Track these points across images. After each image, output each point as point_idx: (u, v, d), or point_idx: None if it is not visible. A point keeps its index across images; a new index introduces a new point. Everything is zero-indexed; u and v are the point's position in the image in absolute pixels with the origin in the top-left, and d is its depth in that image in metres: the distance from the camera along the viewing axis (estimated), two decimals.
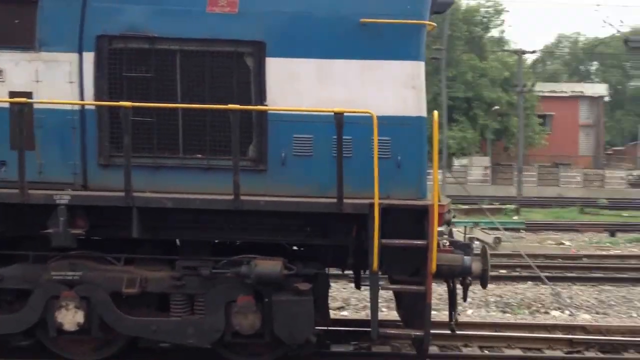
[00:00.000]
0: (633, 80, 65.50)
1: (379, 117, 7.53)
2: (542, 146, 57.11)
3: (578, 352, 9.88)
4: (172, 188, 7.83)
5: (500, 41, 63.05)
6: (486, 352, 9.77)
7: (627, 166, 61.16)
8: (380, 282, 7.90)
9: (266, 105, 7.88)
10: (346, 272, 10.14)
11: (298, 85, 7.93)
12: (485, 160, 55.09)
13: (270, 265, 7.70)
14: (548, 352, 9.93)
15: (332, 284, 9.55)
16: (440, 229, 7.96)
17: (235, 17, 7.92)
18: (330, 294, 9.02)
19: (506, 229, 23.22)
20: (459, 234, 9.44)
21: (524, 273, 16.27)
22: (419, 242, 7.62)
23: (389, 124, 7.78)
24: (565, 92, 65.21)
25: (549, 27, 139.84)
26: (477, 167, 53.70)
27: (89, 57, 7.89)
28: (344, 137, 7.71)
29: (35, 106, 7.79)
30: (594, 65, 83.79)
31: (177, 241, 8.39)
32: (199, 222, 8.01)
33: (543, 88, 61.39)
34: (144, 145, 7.94)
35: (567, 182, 51.70)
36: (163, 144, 7.97)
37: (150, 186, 7.80)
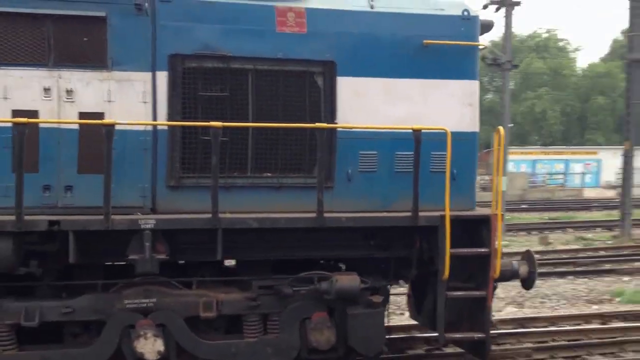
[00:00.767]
0: (488, 94, 70.24)
1: (438, 134, 8.03)
2: None
3: None
4: (242, 208, 7.86)
5: None
6: None
7: (481, 172, 65.10)
8: None
9: (336, 123, 8.13)
10: None
11: (366, 104, 8.25)
12: None
13: (349, 281, 8.00)
14: None
15: None
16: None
17: (305, 37, 8.10)
18: None
19: None
20: None
21: None
22: (483, 250, 8.19)
23: (446, 139, 8.24)
24: None
25: None
26: None
27: (162, 76, 7.78)
28: (404, 153, 8.18)
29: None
30: None
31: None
32: (266, 241, 8.09)
33: None
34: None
35: None
36: (233, 164, 7.98)
37: (220, 206, 7.76)
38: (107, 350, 7.65)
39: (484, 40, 8.84)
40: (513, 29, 27.17)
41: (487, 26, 8.90)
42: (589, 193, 49.99)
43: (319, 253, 8.33)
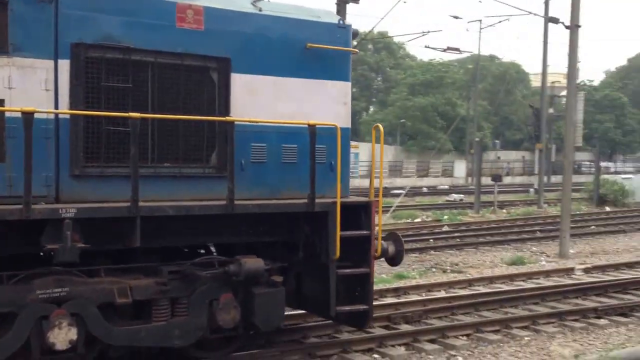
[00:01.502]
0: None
1: (318, 129, 8.80)
2: None
3: None
4: (144, 197, 7.97)
5: None
6: None
7: None
8: None
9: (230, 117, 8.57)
10: None
11: (257, 99, 8.80)
12: None
13: (254, 262, 8.46)
14: None
15: None
16: None
17: (202, 34, 8.47)
18: None
19: None
20: None
21: None
22: (365, 232, 9.03)
23: (325, 134, 9.05)
24: None
25: None
26: None
27: (64, 65, 7.74)
28: (289, 146, 8.86)
29: (7, 114, 7.41)
30: None
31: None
32: (172, 228, 8.32)
33: None
34: (118, 155, 8.01)
35: None
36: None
37: (124, 195, 7.86)
38: (16, 342, 7.38)
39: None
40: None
41: (354, 34, 9.82)
42: None
43: (223, 238, 8.76)
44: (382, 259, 9.59)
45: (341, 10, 20.33)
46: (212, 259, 8.55)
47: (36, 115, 7.37)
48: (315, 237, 9.04)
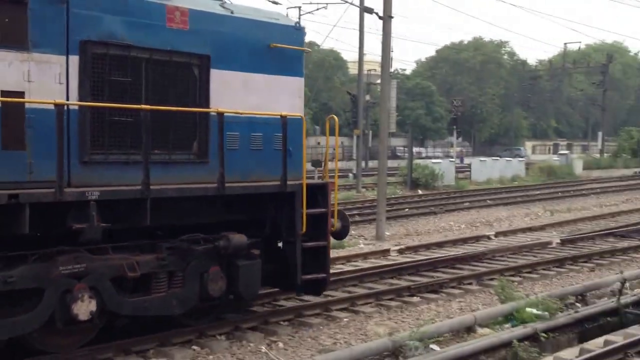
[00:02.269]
0: None
1: (277, 119, 10.07)
2: None
3: None
4: (138, 181, 8.84)
5: None
6: None
7: None
8: None
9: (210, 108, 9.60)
10: None
11: (230, 92, 9.87)
12: None
13: (239, 238, 9.59)
14: None
15: None
16: None
17: (187, 33, 9.43)
18: None
19: None
20: None
21: None
22: (323, 210, 10.38)
23: (273, 123, 10.25)
24: None
25: None
26: None
27: (74, 60, 8.46)
28: (256, 134, 10.05)
29: (27, 106, 8.06)
30: None
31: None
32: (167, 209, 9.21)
33: None
34: (119, 143, 8.85)
35: None
36: (133, 142, 8.93)
37: (123, 180, 8.74)
38: (45, 314, 8.12)
39: None
40: None
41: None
42: None
43: (208, 218, 9.76)
44: None
45: None
46: (196, 236, 9.53)
47: (49, 107, 8.11)
48: (281, 215, 10.27)
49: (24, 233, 7.77)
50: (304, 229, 10.10)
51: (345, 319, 11.19)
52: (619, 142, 68.94)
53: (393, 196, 31.88)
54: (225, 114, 9.55)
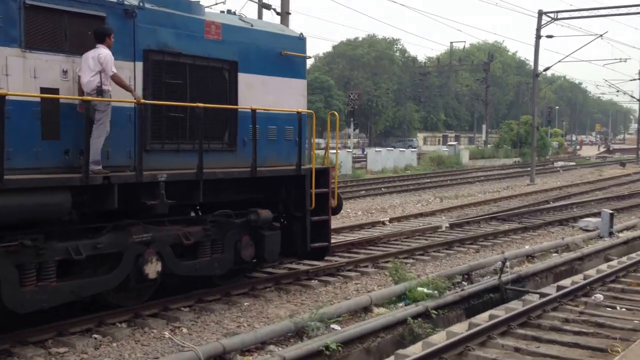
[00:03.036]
0: None
1: (289, 114, 12.07)
2: None
3: None
4: (185, 166, 10.63)
5: None
6: None
7: None
8: None
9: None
10: None
11: (253, 92, 11.76)
12: None
13: (266, 213, 11.56)
14: None
15: None
16: None
17: (220, 43, 11.28)
18: None
19: None
20: None
21: None
22: (326, 190, 12.43)
23: (293, 118, 12.31)
24: None
25: None
26: None
27: (139, 66, 10.20)
28: (272, 127, 11.99)
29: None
30: None
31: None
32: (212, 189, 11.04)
33: None
34: (172, 134, 10.64)
35: None
36: (181, 134, 10.76)
37: (174, 164, 10.53)
38: (124, 273, 9.89)
39: None
40: None
41: None
42: None
43: (240, 196, 11.66)
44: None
45: None
46: (228, 212, 11.39)
47: (122, 104, 9.83)
48: (291, 194, 12.29)
49: (114, 208, 9.50)
50: (313, 206, 12.13)
51: (246, 304, 11.36)
52: (501, 134, 73.08)
53: None
54: (244, 111, 11.44)
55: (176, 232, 10.53)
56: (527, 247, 17.18)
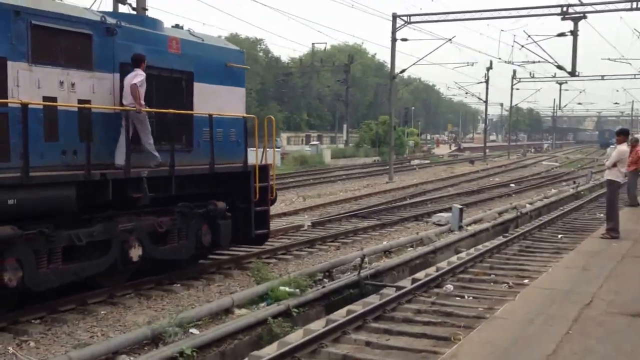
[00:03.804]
0: None
1: (235, 119, 13.86)
2: None
3: None
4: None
5: None
6: None
7: None
8: None
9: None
10: None
11: (205, 100, 13.45)
12: None
13: (221, 204, 13.34)
14: None
15: None
16: None
17: (180, 56, 12.91)
18: None
19: None
20: None
21: None
22: (266, 184, 14.30)
23: (235, 121, 14.16)
24: None
25: None
26: None
27: (117, 77, 11.72)
28: (219, 130, 13.73)
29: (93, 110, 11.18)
30: None
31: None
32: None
33: None
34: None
35: None
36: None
37: (147, 163, 12.00)
38: (113, 257, 11.40)
39: None
40: None
41: None
42: None
43: (199, 190, 13.29)
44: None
45: None
46: (188, 205, 13.00)
47: (102, 111, 11.36)
48: (237, 188, 14.06)
49: (109, 200, 11.06)
50: (257, 197, 13.95)
51: (103, 312, 11.05)
52: (361, 134, 74.45)
53: None
54: (197, 116, 13.17)
55: (152, 222, 12.13)
56: (385, 242, 17.66)
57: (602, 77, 79.44)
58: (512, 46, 54.31)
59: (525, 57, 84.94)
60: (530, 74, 74.72)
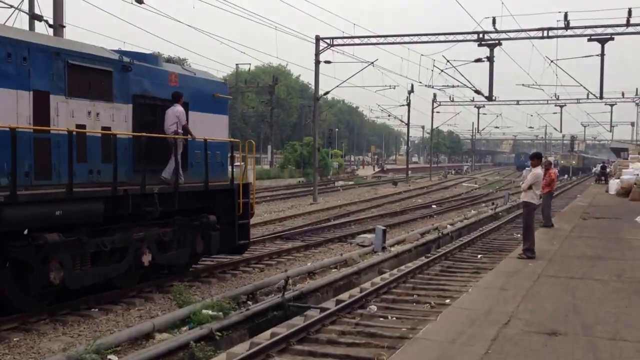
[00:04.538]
0: None
1: (217, 143, 15.97)
2: None
3: None
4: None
5: None
6: None
7: None
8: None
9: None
10: None
11: (197, 126, 15.42)
12: None
13: (213, 218, 15.37)
14: None
15: None
16: None
17: (178, 89, 14.87)
18: None
19: None
20: None
21: None
22: (248, 200, 16.43)
23: (221, 146, 16.27)
24: None
25: None
26: None
27: (130, 107, 13.67)
28: (209, 152, 15.69)
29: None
30: None
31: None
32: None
33: None
34: (150, 159, 14.05)
35: None
36: (156, 158, 14.15)
37: (150, 181, 13.91)
38: (130, 262, 13.26)
39: None
40: None
41: None
42: None
43: (192, 205, 15.21)
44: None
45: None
46: (183, 219, 14.96)
47: (119, 136, 13.26)
48: (222, 203, 16.02)
49: (129, 213, 12.98)
50: (241, 212, 16.05)
51: (15, 339, 10.69)
52: (285, 155, 74.61)
53: None
54: (193, 140, 15.17)
55: (158, 232, 14.06)
56: (309, 264, 17.98)
57: (518, 102, 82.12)
58: (432, 70, 55.90)
59: (445, 82, 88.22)
60: (450, 97, 77.48)
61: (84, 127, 12.52)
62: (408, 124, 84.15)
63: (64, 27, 20.49)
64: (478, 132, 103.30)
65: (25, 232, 11.21)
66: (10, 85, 11.11)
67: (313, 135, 48.51)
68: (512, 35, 39.12)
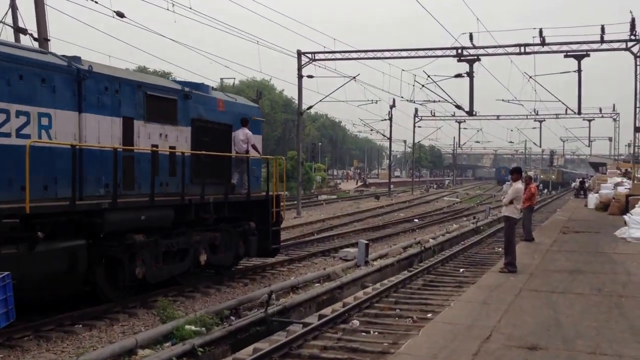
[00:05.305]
0: None
1: (253, 158, 18.47)
2: None
3: None
4: (210, 193, 16.36)
5: None
6: None
7: None
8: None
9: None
10: None
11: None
12: None
13: (252, 225, 17.78)
14: None
15: None
16: None
17: (224, 113, 17.38)
18: None
19: None
20: None
21: None
22: (279, 209, 18.87)
23: (257, 161, 18.79)
24: None
25: None
26: None
27: (189, 129, 16.13)
28: (252, 168, 18.09)
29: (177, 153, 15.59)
30: None
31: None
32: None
33: None
34: (204, 173, 16.39)
35: None
36: (209, 173, 16.47)
37: (205, 192, 16.40)
38: (190, 261, 15.62)
39: None
40: None
41: None
42: None
43: (232, 214, 17.44)
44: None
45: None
46: (228, 225, 17.33)
47: (186, 154, 15.67)
48: (257, 212, 18.37)
49: (191, 219, 15.40)
50: (274, 219, 18.56)
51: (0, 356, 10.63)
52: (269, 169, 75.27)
53: None
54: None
55: (211, 236, 16.42)
56: (292, 278, 18.18)
57: (498, 117, 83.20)
58: (414, 85, 55.89)
59: (426, 97, 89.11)
60: (431, 112, 79.11)
61: (157, 146, 14.89)
62: (390, 139, 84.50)
63: (49, 40, 20.67)
64: (459, 146, 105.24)
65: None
66: (108, 113, 13.56)
67: (297, 149, 48.53)
68: (489, 50, 39.54)
